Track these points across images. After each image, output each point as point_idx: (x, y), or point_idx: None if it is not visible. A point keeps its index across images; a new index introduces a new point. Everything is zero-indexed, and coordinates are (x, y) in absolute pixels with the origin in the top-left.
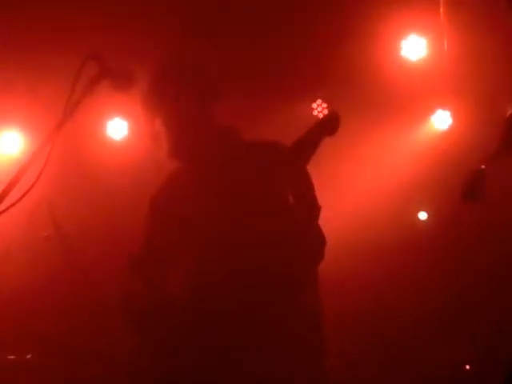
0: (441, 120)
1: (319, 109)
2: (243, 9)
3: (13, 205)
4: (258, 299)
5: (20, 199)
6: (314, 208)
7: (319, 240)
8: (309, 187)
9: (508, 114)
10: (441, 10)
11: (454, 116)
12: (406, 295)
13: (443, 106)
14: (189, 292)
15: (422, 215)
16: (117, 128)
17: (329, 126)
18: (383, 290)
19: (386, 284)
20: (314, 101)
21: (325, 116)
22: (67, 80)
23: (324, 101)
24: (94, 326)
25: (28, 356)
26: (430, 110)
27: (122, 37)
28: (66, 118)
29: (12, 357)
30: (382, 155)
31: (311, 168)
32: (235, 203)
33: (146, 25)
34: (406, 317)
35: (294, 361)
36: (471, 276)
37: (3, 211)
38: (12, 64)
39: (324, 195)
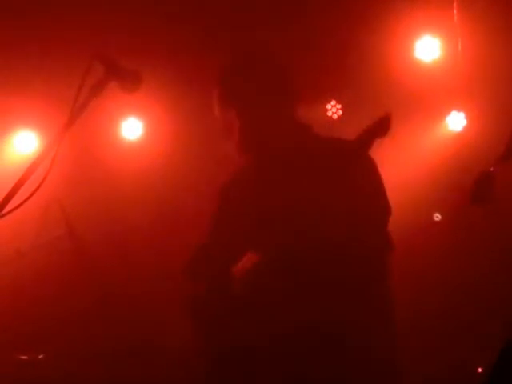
0: (455, 121)
1: (333, 110)
2: (255, 11)
3: (19, 205)
4: (323, 296)
5: (27, 199)
6: (383, 212)
7: (385, 245)
8: (379, 190)
9: None
10: (454, 10)
11: (469, 117)
12: (415, 297)
13: (457, 108)
14: (254, 286)
15: (436, 216)
16: (131, 128)
17: (380, 128)
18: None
19: (396, 284)
20: (329, 102)
21: (378, 119)
22: (78, 79)
23: (338, 102)
24: (106, 326)
25: (40, 356)
26: (445, 112)
27: (137, 36)
28: (72, 119)
29: (25, 357)
30: (396, 156)
31: None
32: (304, 201)
33: (158, 26)
34: (416, 319)
35: (365, 359)
36: (481, 277)
37: (11, 210)
38: (28, 65)
39: None
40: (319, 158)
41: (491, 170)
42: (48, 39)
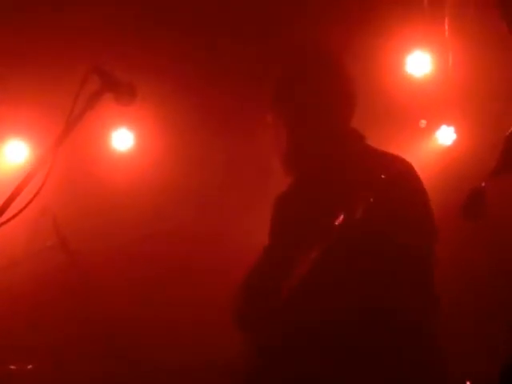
0: (445, 136)
1: None
2: (248, 21)
3: (16, 215)
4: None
5: (23, 209)
6: (430, 236)
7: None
8: (427, 212)
9: (508, 132)
10: (446, 26)
11: (458, 132)
12: None
13: (447, 122)
14: (300, 302)
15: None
16: (122, 139)
17: None
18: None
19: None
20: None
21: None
22: (73, 90)
23: None
24: (97, 336)
25: (29, 366)
26: (435, 126)
27: (130, 48)
28: (67, 131)
29: (13, 367)
30: None
31: None
32: (350, 214)
33: (153, 35)
34: None
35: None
36: (469, 292)
37: (6, 221)
38: (18, 74)
39: None
40: (371, 172)
41: (483, 185)
42: (39, 48)
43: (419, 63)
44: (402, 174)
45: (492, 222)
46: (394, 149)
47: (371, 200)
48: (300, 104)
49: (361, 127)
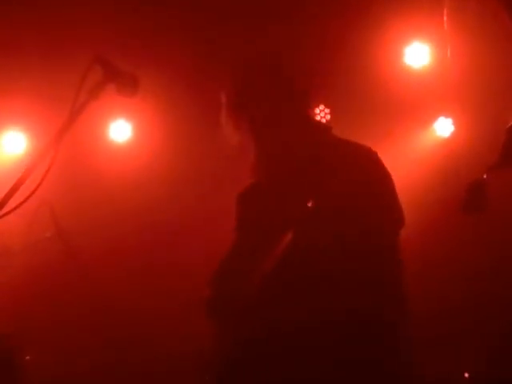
0: (443, 127)
1: (322, 114)
2: (245, 16)
3: (17, 207)
4: (337, 307)
5: (25, 201)
6: (396, 222)
7: (395, 261)
8: (393, 200)
9: (509, 124)
10: (444, 17)
11: (456, 123)
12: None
13: (445, 114)
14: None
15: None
16: (120, 130)
17: None
18: None
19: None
20: (317, 106)
21: None
22: (70, 81)
23: (327, 106)
24: (95, 327)
25: (27, 357)
26: (432, 117)
27: (129, 40)
28: (71, 121)
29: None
30: (384, 161)
31: None
32: (322, 206)
33: (153, 28)
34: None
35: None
36: (469, 285)
37: (7, 213)
38: (16, 65)
39: None
40: (337, 162)
41: (484, 177)
42: (37, 40)
43: (418, 55)
44: (367, 162)
45: (493, 215)
46: (392, 140)
47: (337, 190)
48: (259, 107)
49: (359, 118)
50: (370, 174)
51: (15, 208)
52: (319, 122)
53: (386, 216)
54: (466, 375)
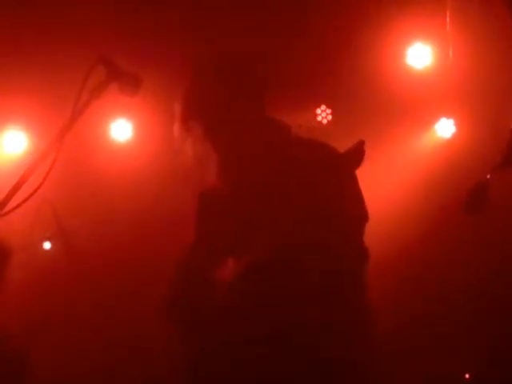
0: (444, 128)
1: (323, 114)
2: (247, 16)
3: (19, 205)
4: (301, 305)
5: (26, 200)
6: (358, 218)
7: (358, 253)
8: (356, 195)
9: None
10: (447, 18)
11: (458, 124)
12: (405, 304)
13: (447, 115)
14: (234, 294)
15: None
16: (121, 130)
17: (355, 158)
18: (383, 297)
19: (386, 292)
20: (319, 106)
21: (351, 148)
22: (71, 80)
23: (328, 107)
24: (96, 326)
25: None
26: (434, 118)
27: (130, 39)
28: (73, 120)
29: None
30: (386, 162)
31: None
32: (278, 204)
33: (153, 27)
34: (404, 325)
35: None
36: (472, 285)
37: (9, 212)
38: (17, 64)
39: None
40: (296, 162)
41: (488, 177)
42: (38, 39)
43: (420, 55)
44: (328, 160)
45: (495, 216)
46: (393, 141)
47: (298, 190)
48: (213, 112)
49: (360, 119)
50: (331, 172)
51: (17, 207)
52: (278, 122)
53: (350, 213)
54: (467, 376)
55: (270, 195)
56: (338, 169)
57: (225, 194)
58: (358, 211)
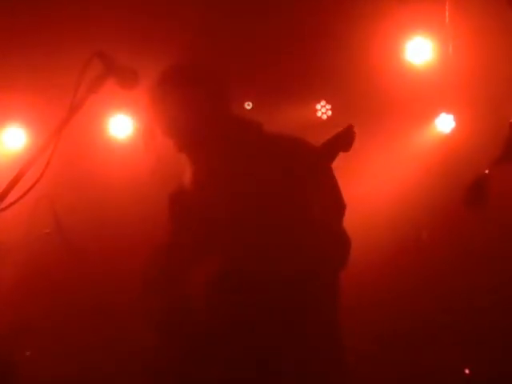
0: (444, 123)
1: (323, 110)
2: (246, 11)
3: (16, 201)
4: (277, 301)
5: (24, 195)
6: (337, 207)
7: (342, 241)
8: (333, 185)
9: (511, 120)
10: (446, 13)
11: (457, 119)
12: (405, 299)
13: (447, 110)
14: (210, 293)
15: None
16: (120, 125)
17: (344, 142)
18: (383, 294)
19: (385, 287)
20: (318, 102)
21: (341, 131)
22: (69, 76)
23: (328, 102)
24: (94, 323)
25: (27, 353)
26: (434, 113)
27: (131, 35)
28: (71, 115)
29: (11, 353)
30: (385, 157)
31: None
32: (253, 202)
33: (151, 23)
34: (404, 320)
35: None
36: (471, 279)
37: (7, 207)
38: (15, 60)
39: None
40: (265, 156)
41: (486, 172)
42: (35, 35)
43: (419, 50)
44: (302, 154)
45: (495, 210)
46: (393, 136)
47: (274, 185)
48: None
49: (360, 114)
50: (306, 165)
51: (14, 202)
52: (249, 120)
53: (329, 204)
54: (467, 371)
55: (244, 193)
56: (312, 162)
57: (196, 192)
58: (334, 201)
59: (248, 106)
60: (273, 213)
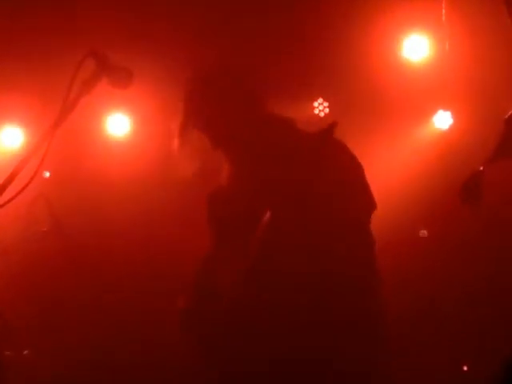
0: (441, 120)
1: (320, 107)
2: (244, 9)
3: (11, 200)
4: (309, 298)
5: (18, 194)
6: (367, 207)
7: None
8: (364, 185)
9: (506, 116)
10: (443, 10)
11: (455, 116)
12: (404, 296)
13: (444, 107)
14: (239, 293)
15: (422, 233)
16: (117, 124)
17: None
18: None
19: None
20: (316, 99)
21: (323, 129)
22: (67, 77)
23: (325, 100)
24: (92, 322)
25: (25, 352)
26: (431, 110)
27: (123, 34)
28: (63, 115)
29: (8, 352)
30: (382, 154)
31: None
32: (287, 199)
33: (146, 22)
34: (403, 318)
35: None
36: (468, 276)
37: (2, 205)
38: (13, 60)
39: None
40: (302, 155)
41: (481, 169)
42: (33, 35)
43: (416, 47)
44: (336, 151)
45: (490, 207)
46: (390, 133)
47: (307, 180)
48: (212, 113)
49: (357, 111)
50: (339, 163)
51: (9, 201)
52: (284, 118)
53: (358, 201)
54: (465, 368)
55: (278, 187)
56: (344, 160)
57: (235, 191)
58: (365, 199)
59: None
60: (307, 211)
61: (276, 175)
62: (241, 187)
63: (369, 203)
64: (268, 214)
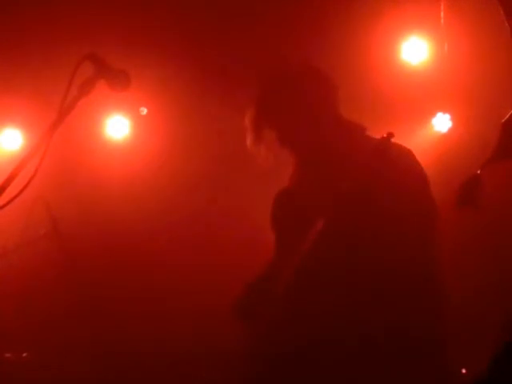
0: (441, 123)
1: None
2: (243, 11)
3: (9, 202)
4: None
5: (16, 196)
6: (430, 216)
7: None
8: (426, 192)
9: (504, 119)
10: (441, 13)
11: (454, 119)
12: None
13: (443, 109)
14: (294, 292)
15: None
16: (117, 126)
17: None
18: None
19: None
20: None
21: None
22: (67, 79)
23: None
24: (91, 324)
25: (24, 354)
26: (431, 113)
27: (122, 36)
28: (61, 117)
29: (8, 355)
30: None
31: None
32: (351, 204)
33: (145, 24)
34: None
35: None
36: (466, 278)
37: (1, 207)
38: (13, 62)
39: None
40: (369, 161)
41: (478, 172)
42: (32, 37)
43: (415, 50)
44: (404, 161)
45: (488, 210)
46: None
47: (373, 187)
48: (288, 117)
49: (356, 114)
50: (406, 172)
51: (8, 203)
52: (354, 123)
53: (421, 210)
54: (464, 371)
55: (343, 192)
56: (411, 170)
57: (303, 193)
58: (428, 209)
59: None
60: (370, 216)
61: (341, 179)
62: (305, 189)
63: (432, 212)
64: (328, 217)
